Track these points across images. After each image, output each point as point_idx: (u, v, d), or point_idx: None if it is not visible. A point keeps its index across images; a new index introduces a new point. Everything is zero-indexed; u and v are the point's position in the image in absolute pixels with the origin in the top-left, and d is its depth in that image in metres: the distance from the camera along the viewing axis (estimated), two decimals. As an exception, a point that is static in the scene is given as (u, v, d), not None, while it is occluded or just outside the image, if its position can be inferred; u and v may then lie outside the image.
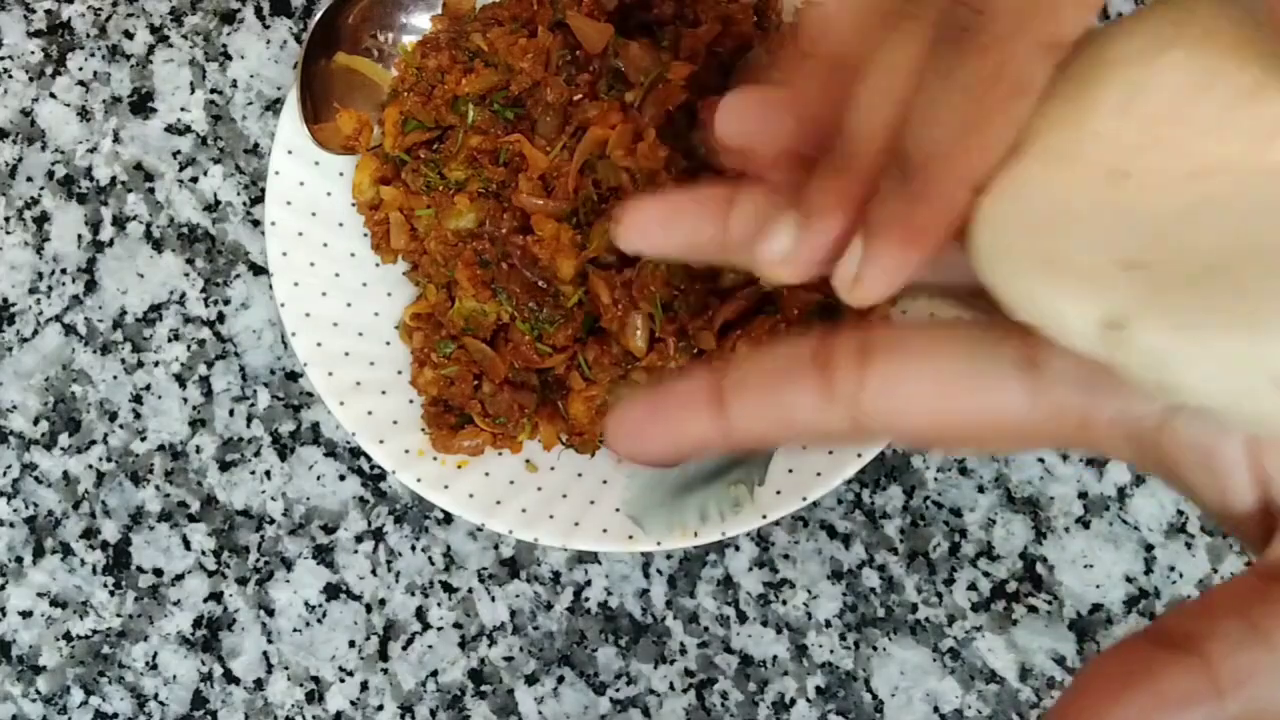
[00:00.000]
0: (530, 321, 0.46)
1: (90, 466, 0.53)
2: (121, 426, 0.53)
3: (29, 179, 0.55)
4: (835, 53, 0.21)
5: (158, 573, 0.52)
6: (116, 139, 0.55)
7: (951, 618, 0.50)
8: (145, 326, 0.54)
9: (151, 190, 0.55)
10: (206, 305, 0.54)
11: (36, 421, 0.54)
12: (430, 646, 0.51)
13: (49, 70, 0.56)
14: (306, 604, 0.52)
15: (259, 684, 0.52)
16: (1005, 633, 0.50)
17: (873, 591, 0.51)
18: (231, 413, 0.53)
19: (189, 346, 0.54)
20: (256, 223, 0.55)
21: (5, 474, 0.53)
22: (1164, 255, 0.17)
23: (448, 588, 0.52)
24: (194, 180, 0.55)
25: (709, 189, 0.23)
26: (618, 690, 0.51)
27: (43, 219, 0.55)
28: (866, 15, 0.21)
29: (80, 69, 0.56)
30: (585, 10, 0.47)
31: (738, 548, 0.51)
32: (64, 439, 0.53)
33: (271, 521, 0.52)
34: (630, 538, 0.46)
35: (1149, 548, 0.50)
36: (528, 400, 0.47)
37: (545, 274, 0.46)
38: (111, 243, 0.55)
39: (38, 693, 0.52)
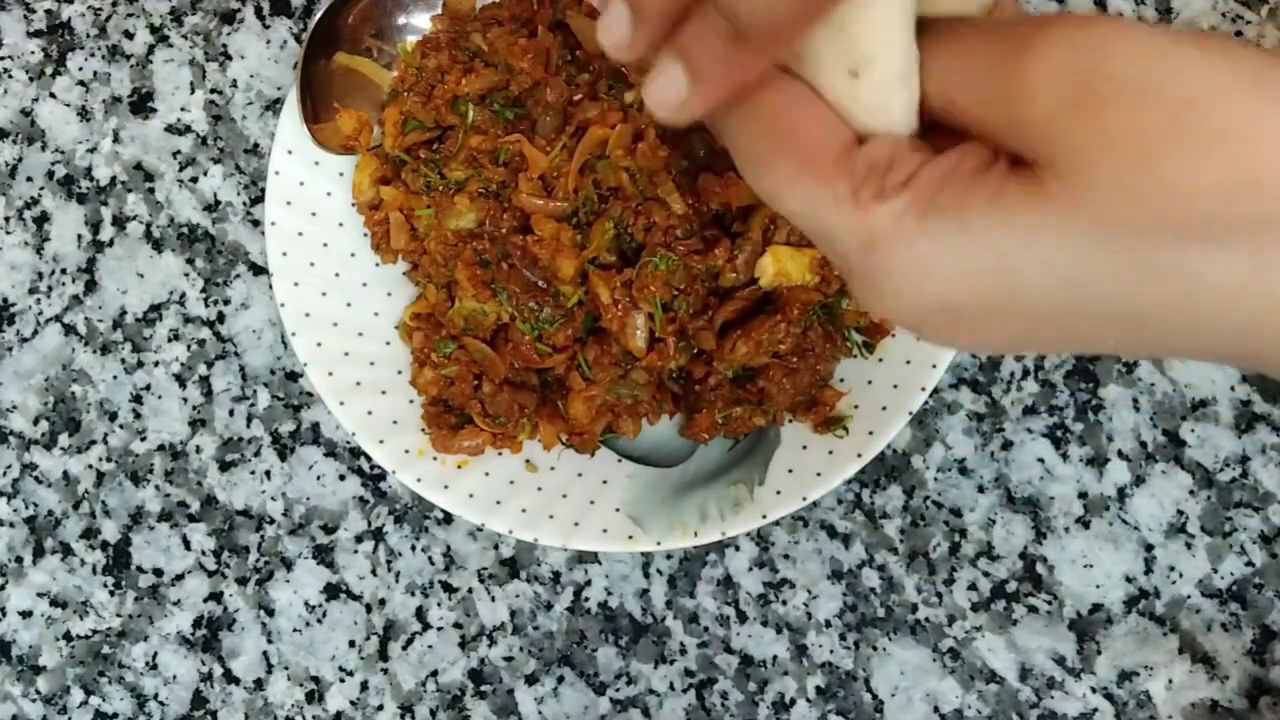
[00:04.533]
0: (530, 321, 0.46)
1: (90, 466, 0.53)
2: (121, 426, 0.53)
3: (29, 179, 0.55)
4: None
5: (158, 573, 0.52)
6: (116, 139, 0.55)
7: (951, 618, 0.50)
8: (145, 326, 0.54)
9: (151, 190, 0.55)
10: (206, 305, 0.54)
11: (36, 421, 0.54)
12: (430, 646, 0.51)
13: (49, 70, 0.56)
14: (306, 604, 0.52)
15: (259, 684, 0.52)
16: (1005, 633, 0.50)
17: (873, 591, 0.51)
18: (231, 413, 0.53)
19: (189, 346, 0.54)
20: (256, 223, 0.55)
21: (5, 474, 0.53)
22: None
23: (448, 588, 0.52)
24: (194, 180, 0.55)
25: None
26: (618, 690, 0.51)
27: (43, 219, 0.55)
28: None
29: (80, 69, 0.56)
30: (585, 10, 0.47)
31: (738, 548, 0.51)
32: (64, 439, 0.53)
33: (271, 521, 0.52)
34: (630, 538, 0.46)
35: (1149, 548, 0.50)
36: (528, 400, 0.47)
37: (545, 274, 0.46)
38: (111, 243, 0.55)
39: (38, 693, 0.52)
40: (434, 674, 0.51)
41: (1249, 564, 0.50)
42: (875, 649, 0.50)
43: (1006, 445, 0.51)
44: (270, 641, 0.52)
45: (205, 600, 0.52)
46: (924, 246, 0.25)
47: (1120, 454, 0.51)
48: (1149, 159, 0.22)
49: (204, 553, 0.53)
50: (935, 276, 0.25)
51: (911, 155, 0.26)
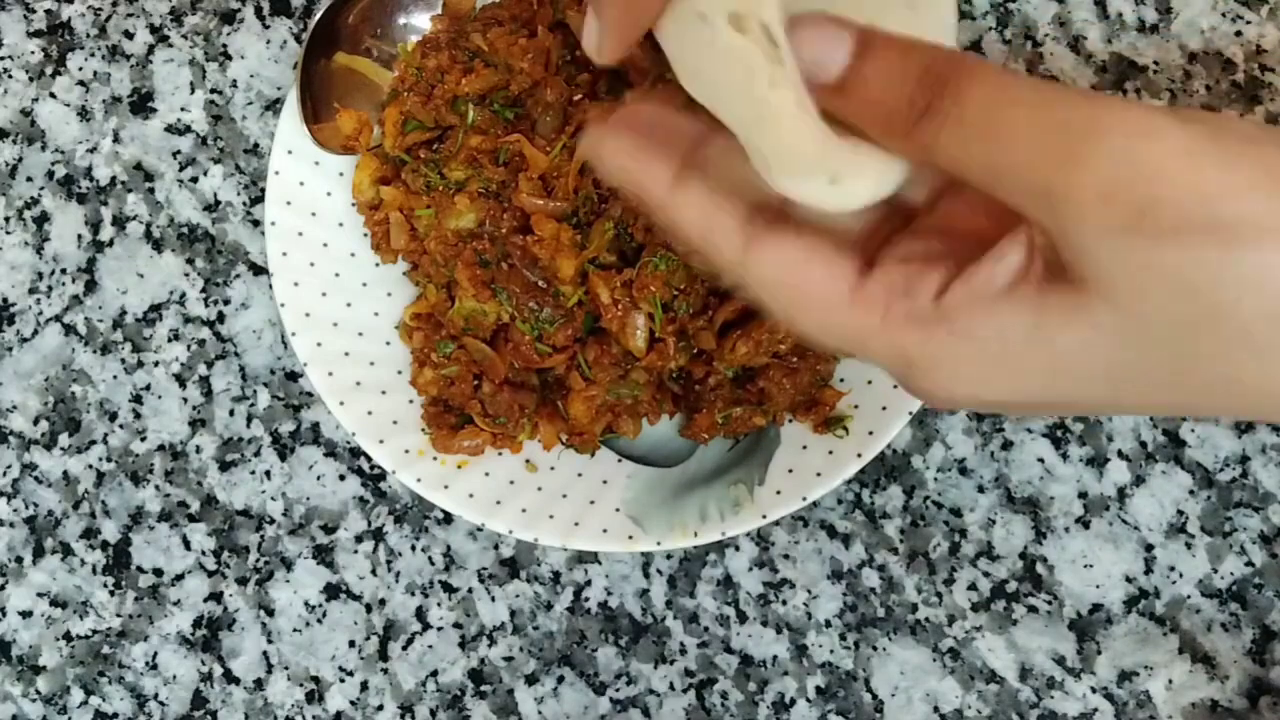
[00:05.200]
0: (530, 321, 0.46)
1: (90, 466, 0.53)
2: (121, 426, 0.53)
3: (29, 179, 0.55)
4: None
5: (158, 573, 0.52)
6: (116, 139, 0.55)
7: (951, 618, 0.50)
8: (145, 326, 0.54)
9: (151, 190, 0.55)
10: (206, 305, 0.54)
11: (36, 421, 0.54)
12: (430, 646, 0.51)
13: (49, 70, 0.56)
14: (306, 604, 0.52)
15: (259, 684, 0.52)
16: (1005, 633, 0.50)
17: (873, 591, 0.51)
18: (231, 413, 0.53)
19: (189, 346, 0.54)
20: (256, 223, 0.55)
21: (5, 474, 0.53)
22: None
23: (448, 588, 0.52)
24: (194, 180, 0.55)
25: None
26: (618, 690, 0.51)
27: (43, 219, 0.55)
28: None
29: (80, 69, 0.56)
30: (585, 10, 0.47)
31: (738, 548, 0.51)
32: (64, 439, 0.53)
33: (271, 521, 0.52)
34: (630, 538, 0.46)
35: (1149, 548, 0.50)
36: (528, 400, 0.47)
37: (545, 274, 0.46)
38: (111, 243, 0.55)
39: (38, 693, 0.52)
40: (434, 674, 0.51)
41: (1249, 564, 0.50)
42: (875, 649, 0.50)
43: (1006, 445, 0.51)
44: (270, 641, 0.52)
45: (205, 600, 0.52)
46: (970, 374, 0.26)
47: (1120, 454, 0.51)
48: (1198, 294, 0.23)
49: (204, 553, 0.53)
50: (984, 394, 0.26)
51: (928, 269, 0.26)
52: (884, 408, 0.46)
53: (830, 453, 0.46)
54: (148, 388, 0.54)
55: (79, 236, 0.55)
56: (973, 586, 0.50)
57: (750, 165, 0.27)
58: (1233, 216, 0.23)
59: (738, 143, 0.27)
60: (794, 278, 0.27)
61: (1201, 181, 0.23)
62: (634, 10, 0.28)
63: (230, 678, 0.52)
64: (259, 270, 0.54)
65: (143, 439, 0.53)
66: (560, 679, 0.51)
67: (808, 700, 0.50)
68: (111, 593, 0.52)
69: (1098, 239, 0.23)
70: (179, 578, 0.52)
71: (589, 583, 0.51)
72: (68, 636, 0.52)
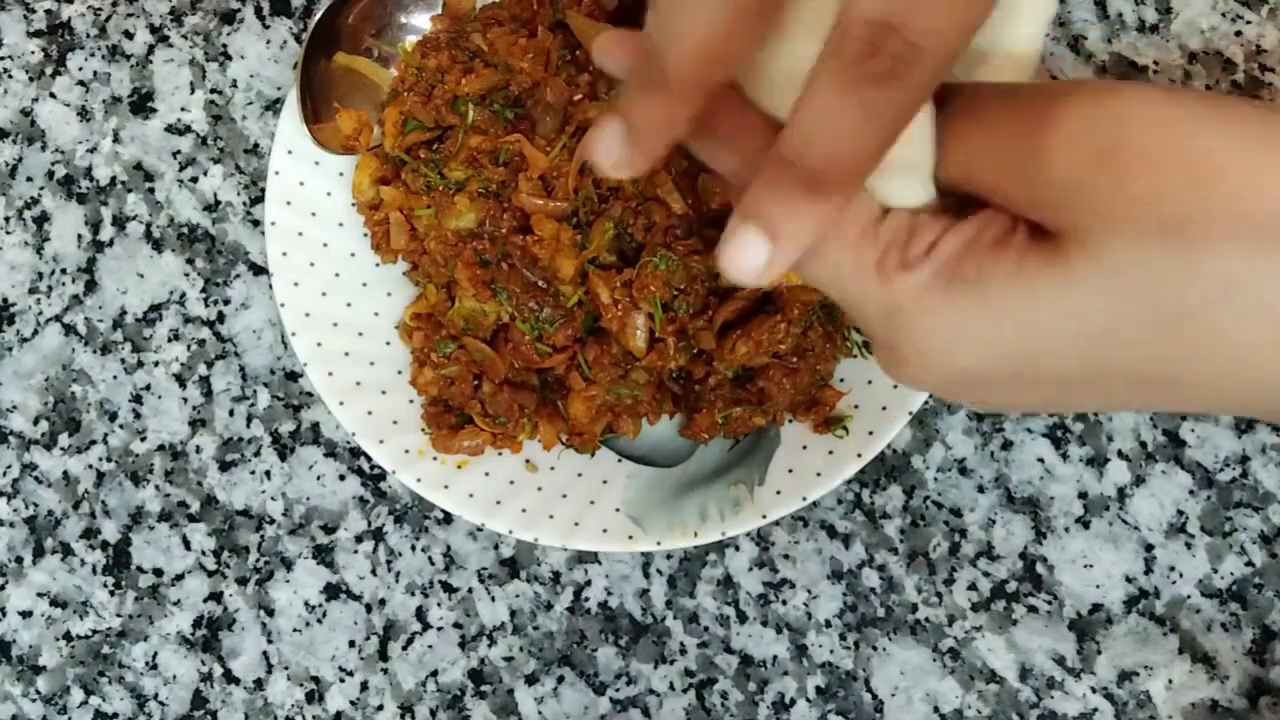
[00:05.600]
0: (530, 321, 0.46)
1: (90, 466, 0.53)
2: (121, 426, 0.53)
3: (29, 179, 0.55)
4: None
5: (158, 573, 0.52)
6: (116, 139, 0.55)
7: (951, 618, 0.50)
8: (145, 326, 0.54)
9: (151, 190, 0.55)
10: (206, 305, 0.54)
11: (36, 421, 0.54)
12: (430, 646, 0.51)
13: (49, 70, 0.56)
14: (306, 604, 0.52)
15: (259, 684, 0.52)
16: (1005, 633, 0.50)
17: (873, 591, 0.51)
18: (231, 413, 0.53)
19: (189, 346, 0.54)
20: (256, 223, 0.55)
21: (5, 474, 0.53)
22: None
23: (448, 588, 0.52)
24: (194, 180, 0.55)
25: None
26: (618, 690, 0.51)
27: (43, 219, 0.55)
28: None
29: (80, 69, 0.56)
30: (585, 10, 0.47)
31: (738, 548, 0.51)
32: (64, 439, 0.53)
33: (271, 521, 0.52)
34: (630, 538, 0.46)
35: (1149, 548, 0.50)
36: (528, 400, 0.47)
37: (545, 274, 0.46)
38: (111, 243, 0.55)
39: (38, 693, 0.52)
40: (434, 674, 0.51)
41: (1249, 564, 0.50)
42: (875, 649, 0.50)
43: (1006, 445, 0.51)
44: (270, 641, 0.52)
45: (205, 600, 0.52)
46: (947, 319, 0.25)
47: (1120, 454, 0.51)
48: (1167, 223, 0.23)
49: (204, 553, 0.53)
50: (960, 349, 0.25)
51: (932, 224, 0.26)
52: (884, 408, 0.46)
53: (830, 453, 0.46)
54: (148, 388, 0.54)
55: (79, 236, 0.55)
56: (973, 586, 0.50)
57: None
58: (1199, 151, 0.23)
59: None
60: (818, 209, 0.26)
61: (1166, 118, 0.23)
62: (677, 114, 0.25)
63: (230, 678, 0.52)
64: (259, 270, 0.54)
65: (143, 439, 0.53)
66: (560, 679, 0.51)
67: (808, 700, 0.50)
68: (111, 593, 0.52)
69: (1068, 189, 0.23)
70: (179, 578, 0.52)
71: (589, 583, 0.51)
72: (68, 636, 0.52)
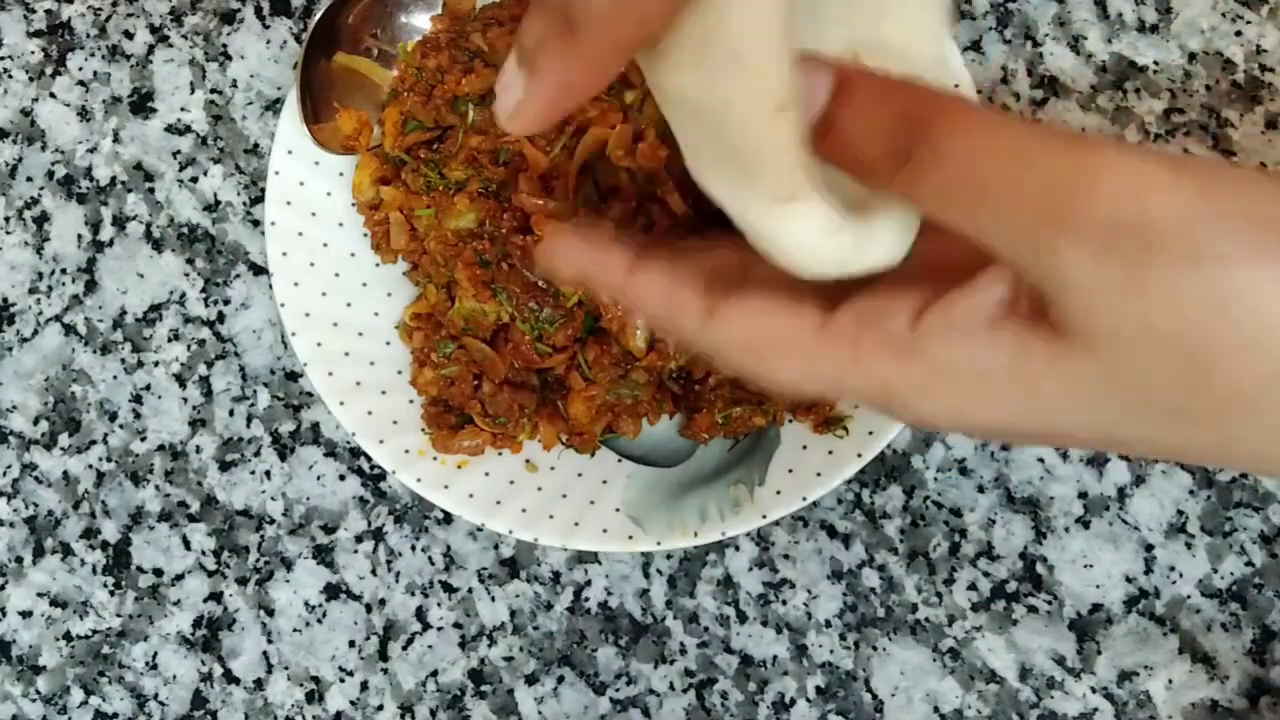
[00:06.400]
0: (530, 321, 0.46)
1: (90, 466, 0.53)
2: (121, 426, 0.53)
3: (29, 179, 0.55)
4: None
5: (158, 573, 0.52)
6: (116, 139, 0.55)
7: (951, 618, 0.50)
8: (145, 326, 0.54)
9: (151, 190, 0.55)
10: (206, 305, 0.54)
11: (36, 421, 0.54)
12: (430, 646, 0.51)
13: (49, 70, 0.56)
14: (306, 604, 0.52)
15: (259, 684, 0.52)
16: (1005, 633, 0.50)
17: (873, 591, 0.51)
18: (231, 413, 0.53)
19: (189, 346, 0.54)
20: (256, 223, 0.55)
21: (5, 474, 0.53)
22: None
23: (448, 588, 0.52)
24: (194, 180, 0.55)
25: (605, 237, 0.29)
26: (618, 690, 0.51)
27: (43, 219, 0.55)
28: None
29: (80, 69, 0.56)
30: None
31: (738, 548, 0.51)
32: (64, 439, 0.53)
33: (271, 521, 0.52)
34: (630, 538, 0.46)
35: (1149, 548, 0.50)
36: (528, 400, 0.47)
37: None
38: (111, 243, 0.55)
39: (38, 693, 0.52)
40: (434, 674, 0.51)
41: (1249, 564, 0.50)
42: (875, 649, 0.50)
43: (1006, 445, 0.51)
44: (270, 641, 0.52)
45: (205, 600, 0.52)
46: (946, 402, 0.25)
47: (1120, 454, 0.51)
48: (1192, 357, 0.22)
49: (204, 553, 0.53)
50: (963, 418, 0.26)
51: (898, 297, 0.25)
52: (884, 408, 0.46)
53: (830, 453, 0.46)
54: (148, 388, 0.54)
55: (79, 236, 0.55)
56: (973, 586, 0.50)
57: (706, 254, 0.27)
58: (1227, 285, 0.22)
59: (692, 243, 0.27)
60: (759, 332, 0.26)
61: (1199, 241, 0.22)
62: (583, 74, 0.24)
63: (230, 678, 0.52)
64: (259, 270, 0.54)
65: (143, 439, 0.53)
66: (560, 679, 0.51)
67: (808, 700, 0.50)
68: (111, 593, 0.52)
69: (1088, 294, 0.23)
70: (179, 578, 0.52)
71: (589, 583, 0.51)
72: (68, 636, 0.52)
